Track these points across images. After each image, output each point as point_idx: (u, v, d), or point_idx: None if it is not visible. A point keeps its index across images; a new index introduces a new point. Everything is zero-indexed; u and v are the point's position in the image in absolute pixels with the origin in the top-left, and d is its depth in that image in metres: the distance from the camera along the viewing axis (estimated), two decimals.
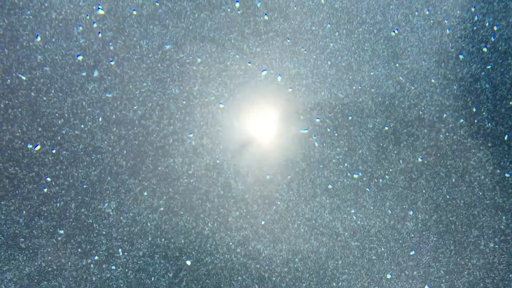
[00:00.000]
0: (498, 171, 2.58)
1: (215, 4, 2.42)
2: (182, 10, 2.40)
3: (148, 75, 2.36)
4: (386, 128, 2.52)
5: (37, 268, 2.28)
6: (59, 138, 2.30)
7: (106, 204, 2.32)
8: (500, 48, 2.62)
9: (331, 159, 2.47)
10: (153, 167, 2.36)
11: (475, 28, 2.61)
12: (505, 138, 2.60)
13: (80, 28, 2.30)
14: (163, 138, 2.37)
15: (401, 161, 2.52)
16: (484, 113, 2.59)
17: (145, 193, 2.34)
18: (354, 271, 2.46)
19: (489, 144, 2.59)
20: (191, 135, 2.38)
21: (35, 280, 2.28)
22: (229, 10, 2.43)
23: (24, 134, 2.27)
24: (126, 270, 2.33)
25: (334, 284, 2.44)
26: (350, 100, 2.50)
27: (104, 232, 2.32)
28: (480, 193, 2.57)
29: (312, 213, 2.44)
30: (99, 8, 2.32)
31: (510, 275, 2.58)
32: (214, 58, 2.42)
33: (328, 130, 2.48)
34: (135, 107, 2.35)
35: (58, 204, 2.30)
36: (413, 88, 2.55)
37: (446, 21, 2.59)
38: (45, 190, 2.29)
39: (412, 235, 2.51)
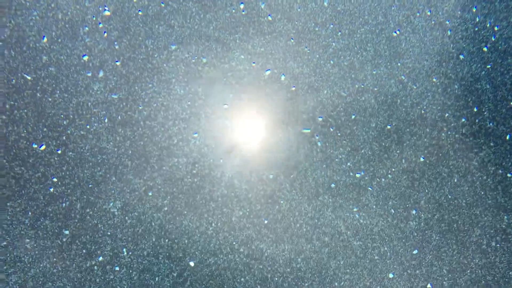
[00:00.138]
0: (500, 171, 2.59)
1: (220, 5, 2.43)
2: (187, 11, 2.41)
3: (154, 75, 2.37)
4: (389, 127, 2.53)
5: (42, 270, 2.28)
6: (64, 138, 2.30)
7: (111, 204, 2.33)
8: (500, 48, 2.63)
9: (333, 159, 2.48)
10: (157, 167, 2.36)
11: (476, 28, 2.62)
12: (507, 137, 2.61)
13: (86, 28, 2.31)
14: (167, 138, 2.37)
15: (403, 160, 2.53)
16: (485, 113, 2.60)
17: (150, 193, 2.35)
18: (356, 271, 2.47)
19: (491, 144, 2.60)
20: (195, 135, 2.39)
21: (40, 282, 2.28)
22: (234, 11, 2.44)
23: (29, 135, 2.28)
24: (130, 271, 2.33)
25: (336, 284, 2.45)
26: (353, 99, 2.51)
27: (109, 233, 2.32)
28: (482, 193, 2.57)
29: (315, 212, 2.45)
30: (105, 9, 2.33)
31: (511, 273, 2.58)
32: (219, 59, 2.43)
33: (331, 130, 2.48)
34: (140, 108, 2.36)
35: (63, 204, 2.30)
36: (415, 87, 2.56)
37: (447, 22, 2.60)
38: (51, 190, 2.29)
39: (415, 234, 2.51)
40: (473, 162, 2.58)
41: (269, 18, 2.47)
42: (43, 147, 2.29)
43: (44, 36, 2.28)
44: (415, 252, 2.51)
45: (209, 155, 2.40)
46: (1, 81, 2.25)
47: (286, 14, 2.49)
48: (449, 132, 2.56)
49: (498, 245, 2.57)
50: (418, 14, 2.58)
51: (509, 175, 2.59)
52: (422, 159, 2.54)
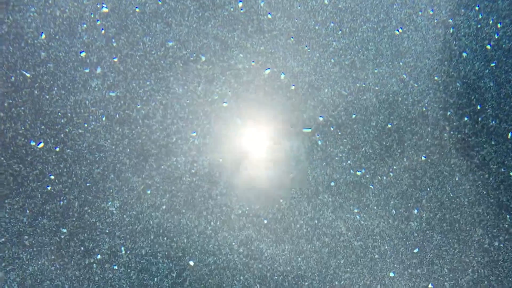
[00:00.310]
0: (502, 169, 2.58)
1: (218, 4, 2.43)
2: (185, 9, 2.41)
3: (151, 73, 2.37)
4: (390, 125, 2.52)
5: (40, 267, 2.29)
6: (62, 136, 2.30)
7: (109, 203, 2.33)
8: (504, 45, 2.62)
9: (334, 157, 2.47)
10: (156, 166, 2.36)
11: (479, 26, 2.61)
12: (509, 136, 2.60)
13: (84, 25, 2.31)
14: (166, 137, 2.37)
15: (405, 159, 2.52)
16: (488, 111, 2.59)
17: (148, 192, 2.35)
18: (356, 270, 2.46)
19: (493, 142, 2.59)
20: (194, 134, 2.39)
21: (38, 280, 2.29)
22: (232, 9, 2.44)
23: (27, 132, 2.28)
24: (129, 269, 2.33)
25: (336, 283, 2.44)
26: (354, 97, 2.50)
27: (107, 231, 2.32)
28: (484, 192, 2.57)
29: (315, 211, 2.44)
30: (103, 6, 2.33)
31: None
32: (218, 57, 2.43)
33: (332, 129, 2.48)
34: (138, 106, 2.35)
35: (61, 203, 2.30)
36: (416, 85, 2.55)
37: (450, 20, 2.59)
38: (49, 188, 2.30)
39: (416, 234, 2.51)
40: (475, 160, 2.57)
41: (269, 16, 2.46)
42: (41, 145, 2.29)
43: (42, 33, 2.28)
44: (416, 251, 2.50)
45: (208, 154, 2.40)
46: None
47: (286, 12, 2.48)
48: (451, 132, 2.55)
49: (500, 244, 2.57)
50: (420, 13, 2.57)
51: (511, 173, 2.58)
52: (423, 158, 2.53)
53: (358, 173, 2.49)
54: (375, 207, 2.49)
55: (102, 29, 2.33)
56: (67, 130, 2.30)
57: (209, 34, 2.42)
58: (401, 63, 2.54)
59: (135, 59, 2.36)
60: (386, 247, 2.49)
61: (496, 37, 2.62)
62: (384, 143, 2.52)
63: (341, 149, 2.49)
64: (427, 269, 2.51)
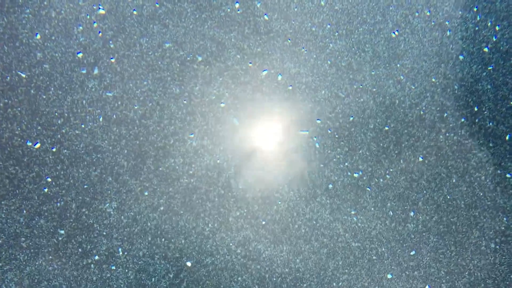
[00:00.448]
0: (499, 171, 2.58)
1: (215, 5, 2.42)
2: (182, 11, 2.40)
3: (149, 73, 2.36)
4: (387, 128, 2.52)
5: (37, 268, 2.28)
6: (59, 137, 2.30)
7: (107, 204, 2.32)
8: (501, 48, 2.62)
9: (331, 159, 2.47)
10: (154, 167, 2.36)
11: (476, 28, 2.61)
12: (507, 138, 2.60)
13: (80, 27, 2.31)
14: (164, 138, 2.37)
15: (401, 161, 2.52)
16: (485, 113, 2.59)
17: (146, 193, 2.34)
18: (354, 271, 2.46)
19: (490, 144, 2.58)
20: (192, 136, 2.38)
21: (36, 280, 2.28)
22: (229, 10, 2.43)
23: (23, 133, 2.27)
24: (127, 270, 2.33)
25: (334, 284, 2.44)
26: (351, 100, 2.50)
27: (104, 232, 2.32)
28: (481, 194, 2.57)
29: (313, 213, 2.44)
30: (99, 8, 2.32)
31: (511, 276, 2.57)
32: (215, 57, 2.42)
33: (329, 131, 2.48)
34: (135, 107, 2.35)
35: (58, 204, 2.30)
36: (413, 87, 2.55)
37: (447, 22, 2.59)
38: (46, 190, 2.29)
39: (413, 236, 2.51)
40: (472, 162, 2.57)
41: (266, 17, 2.46)
42: (37, 145, 2.28)
43: (37, 34, 2.27)
44: (412, 253, 2.50)
45: (205, 155, 2.39)
46: None
47: (283, 13, 2.48)
48: (447, 134, 2.55)
49: (497, 247, 2.57)
50: (417, 14, 2.57)
51: (508, 175, 2.58)
52: (420, 159, 2.53)
53: (356, 175, 2.49)
54: (372, 209, 2.49)
55: (100, 31, 2.33)
56: (63, 130, 2.30)
57: (206, 35, 2.42)
58: (398, 65, 2.54)
59: (132, 59, 2.36)
60: (384, 249, 2.49)
61: (494, 39, 2.62)
62: (381, 145, 2.51)
63: (339, 151, 2.48)
64: (424, 271, 2.51)
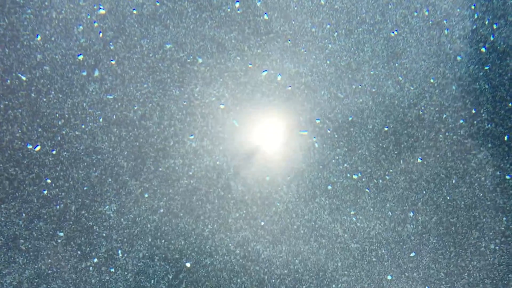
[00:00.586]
0: (498, 172, 2.59)
1: (215, 4, 2.43)
2: (183, 10, 2.41)
3: (149, 75, 2.37)
4: (386, 128, 2.53)
5: (36, 271, 2.28)
6: (59, 138, 2.30)
7: (106, 207, 2.32)
8: (499, 47, 2.63)
9: (330, 160, 2.48)
10: (154, 169, 2.36)
11: (474, 27, 2.62)
12: (505, 138, 2.61)
13: (81, 27, 2.31)
14: (163, 139, 2.37)
15: (401, 161, 2.53)
16: (483, 114, 2.60)
17: (146, 195, 2.35)
18: (354, 273, 2.46)
19: (489, 145, 2.60)
20: (191, 137, 2.39)
21: (35, 283, 2.28)
22: (229, 10, 2.44)
23: (24, 135, 2.27)
24: (126, 272, 2.33)
25: (334, 286, 2.45)
26: (350, 100, 2.51)
27: (104, 234, 2.32)
28: (481, 195, 2.57)
29: (312, 214, 2.45)
30: (100, 8, 2.33)
31: (510, 276, 2.58)
32: (215, 59, 2.43)
33: (328, 131, 2.48)
34: (135, 108, 2.35)
35: (58, 207, 2.30)
36: (412, 88, 2.56)
37: (445, 21, 2.60)
38: (45, 192, 2.29)
39: (413, 237, 2.51)
40: (471, 163, 2.58)
41: (265, 17, 2.47)
42: (38, 148, 2.28)
43: (38, 35, 2.28)
44: (412, 254, 2.51)
45: (205, 156, 2.40)
46: None
47: (283, 13, 2.48)
48: (447, 134, 2.56)
49: (497, 248, 2.57)
50: (415, 14, 2.58)
51: (507, 177, 2.59)
52: (419, 160, 2.54)
53: (355, 176, 2.50)
54: (372, 209, 2.49)
55: (100, 31, 2.33)
56: (64, 132, 2.30)
57: (206, 36, 2.42)
58: (396, 65, 2.55)
59: (132, 61, 2.36)
60: (383, 250, 2.49)
61: (492, 38, 2.64)
62: (380, 145, 2.52)
63: (338, 152, 2.49)
64: (423, 272, 2.52)
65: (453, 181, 2.56)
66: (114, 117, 2.34)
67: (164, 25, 2.39)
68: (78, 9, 2.32)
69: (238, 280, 2.39)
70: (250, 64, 2.45)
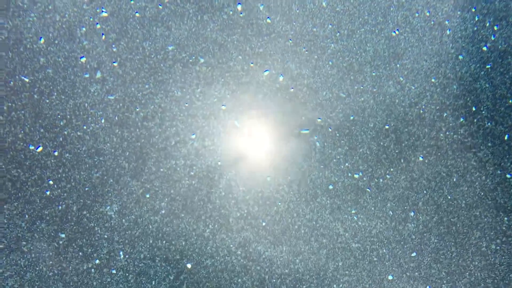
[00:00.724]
0: (499, 171, 2.59)
1: (217, 7, 2.44)
2: (185, 13, 2.41)
3: (151, 76, 2.37)
4: (387, 127, 2.53)
5: (38, 273, 2.28)
6: (61, 140, 2.31)
7: (108, 207, 2.33)
8: (500, 47, 2.64)
9: (332, 159, 2.48)
10: (155, 169, 2.36)
11: (475, 28, 2.63)
12: (505, 137, 2.61)
13: (84, 29, 2.32)
14: (165, 140, 2.38)
15: (402, 160, 2.53)
16: (484, 112, 2.61)
17: (148, 196, 2.35)
18: (355, 273, 2.47)
19: (489, 144, 2.60)
20: (193, 137, 2.39)
21: (36, 286, 2.28)
22: (231, 12, 2.44)
23: (26, 136, 2.28)
24: (127, 274, 2.33)
25: (335, 286, 2.45)
26: (352, 99, 2.51)
27: (105, 236, 2.32)
28: (482, 194, 2.57)
29: (313, 213, 2.45)
30: (102, 11, 2.33)
31: (511, 275, 2.58)
32: (217, 59, 2.43)
33: (330, 130, 2.49)
34: (137, 109, 2.36)
35: (60, 207, 2.30)
36: (413, 88, 2.56)
37: (446, 22, 2.60)
38: (48, 193, 2.30)
39: (414, 236, 2.51)
40: (472, 162, 2.58)
41: (268, 20, 2.47)
42: (40, 149, 2.29)
43: (41, 38, 2.28)
44: (413, 254, 2.51)
45: (206, 157, 2.40)
46: None
47: (285, 15, 2.49)
48: (447, 132, 2.57)
49: (498, 247, 2.57)
50: (417, 14, 2.59)
51: (508, 176, 2.60)
52: (421, 159, 2.54)
53: (356, 176, 2.50)
54: (373, 209, 2.50)
55: (103, 34, 2.34)
56: (66, 133, 2.30)
57: (208, 38, 2.43)
58: (398, 65, 2.55)
59: (134, 63, 2.37)
60: (384, 250, 2.50)
61: (493, 38, 2.64)
62: (381, 144, 2.53)
63: (339, 151, 2.50)
64: (425, 272, 2.52)
65: (454, 180, 2.56)
66: (116, 118, 2.34)
67: (166, 27, 2.40)
68: (81, 12, 2.33)
69: (239, 280, 2.39)
70: (252, 63, 2.46)
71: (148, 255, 2.35)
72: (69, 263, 2.31)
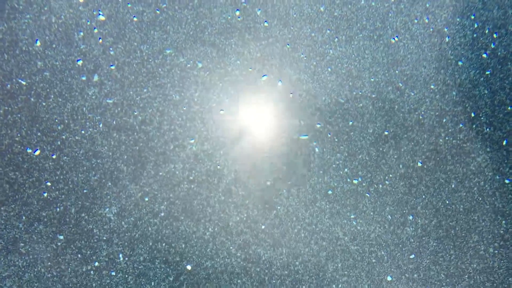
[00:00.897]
0: (497, 176, 2.58)
1: (215, 12, 2.42)
2: (182, 18, 2.40)
3: (149, 80, 2.36)
4: (386, 133, 2.52)
5: (36, 275, 2.27)
6: (59, 143, 2.29)
7: (107, 209, 2.31)
8: (499, 53, 2.62)
9: (331, 165, 2.46)
10: (154, 173, 2.35)
11: (475, 35, 2.61)
12: (504, 143, 2.60)
13: (81, 33, 2.30)
14: (164, 144, 2.36)
15: (401, 166, 2.52)
16: (482, 118, 2.59)
17: (146, 199, 2.34)
18: (354, 273, 2.46)
19: (488, 149, 2.59)
20: (192, 141, 2.38)
21: (34, 287, 2.27)
22: (229, 17, 2.43)
23: (23, 139, 2.26)
24: (127, 275, 2.32)
25: (334, 286, 2.44)
26: (350, 105, 2.50)
27: (104, 238, 2.31)
28: (480, 198, 2.56)
29: (312, 218, 2.44)
30: (99, 14, 2.32)
31: (510, 279, 2.57)
32: (215, 63, 2.42)
33: (329, 135, 2.47)
34: (135, 113, 2.34)
35: (58, 209, 2.29)
36: (412, 94, 2.55)
37: (445, 29, 2.59)
38: (45, 195, 2.28)
39: (412, 240, 2.50)
40: (471, 167, 2.56)
41: (265, 24, 2.45)
42: (37, 152, 2.27)
43: (37, 40, 2.26)
44: (412, 256, 2.50)
45: (205, 161, 2.39)
46: None
47: (283, 20, 2.47)
48: (446, 138, 2.55)
49: (496, 251, 2.56)
50: (416, 21, 2.57)
51: (507, 181, 2.58)
52: (419, 164, 2.53)
53: (355, 181, 2.49)
54: (372, 213, 2.49)
55: (100, 38, 2.32)
56: (63, 137, 2.29)
57: (206, 42, 2.41)
58: (397, 72, 2.54)
59: (132, 66, 2.35)
60: (383, 252, 2.49)
61: (492, 46, 2.62)
62: (380, 149, 2.51)
63: (338, 157, 2.48)
64: (423, 273, 2.51)
65: (453, 185, 2.55)
66: (114, 122, 2.33)
67: (164, 31, 2.38)
68: (78, 14, 2.31)
69: (239, 281, 2.38)
70: (251, 68, 2.44)
71: (147, 257, 2.34)
72: (67, 265, 2.29)
